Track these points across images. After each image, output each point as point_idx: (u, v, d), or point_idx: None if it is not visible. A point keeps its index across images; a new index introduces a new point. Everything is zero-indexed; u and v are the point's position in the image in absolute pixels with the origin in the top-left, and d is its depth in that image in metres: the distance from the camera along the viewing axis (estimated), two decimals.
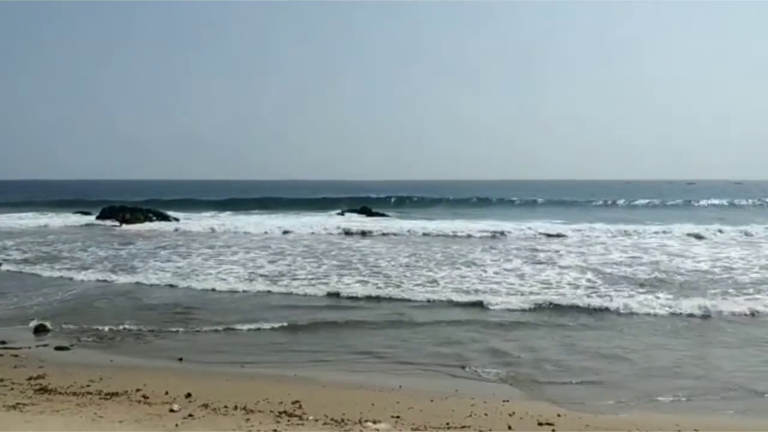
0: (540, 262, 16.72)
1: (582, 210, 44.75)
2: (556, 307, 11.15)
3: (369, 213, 38.93)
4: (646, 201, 53.94)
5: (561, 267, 15.86)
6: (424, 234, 25.32)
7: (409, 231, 25.89)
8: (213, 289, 13.12)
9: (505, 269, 15.47)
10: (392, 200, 53.76)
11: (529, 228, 25.61)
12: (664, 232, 24.85)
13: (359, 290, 12.73)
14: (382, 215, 38.38)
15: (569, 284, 13.46)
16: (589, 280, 13.86)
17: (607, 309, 10.92)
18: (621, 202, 54.06)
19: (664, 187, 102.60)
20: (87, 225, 31.13)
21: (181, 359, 8.21)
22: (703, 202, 52.90)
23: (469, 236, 24.50)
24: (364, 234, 25.55)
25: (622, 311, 10.80)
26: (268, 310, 11.14)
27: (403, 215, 39.11)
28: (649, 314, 10.68)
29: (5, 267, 15.58)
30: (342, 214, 39.40)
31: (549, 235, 24.05)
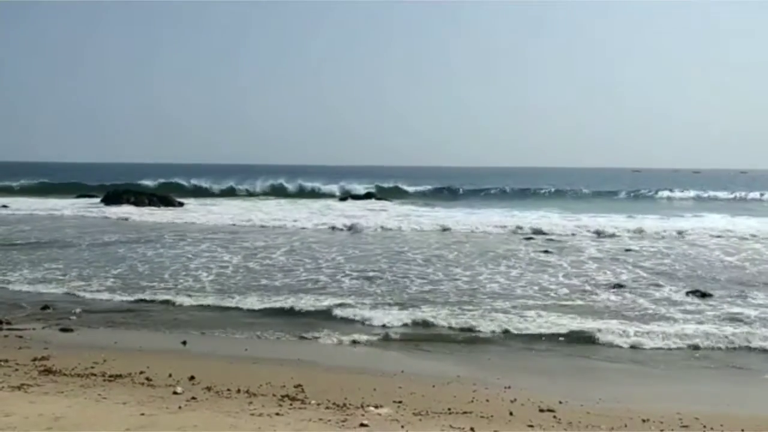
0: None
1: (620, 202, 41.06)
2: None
3: (375, 199, 38.92)
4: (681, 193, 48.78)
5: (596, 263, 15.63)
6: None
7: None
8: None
9: None
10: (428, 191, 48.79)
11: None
12: None
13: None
14: (385, 201, 38.38)
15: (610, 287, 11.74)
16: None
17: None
18: (668, 193, 48.46)
19: (672, 176, 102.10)
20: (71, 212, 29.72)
21: (185, 342, 8.25)
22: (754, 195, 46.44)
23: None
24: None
25: None
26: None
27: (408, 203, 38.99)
28: None
29: None
30: (344, 199, 39.27)
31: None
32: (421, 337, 8.67)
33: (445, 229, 21.94)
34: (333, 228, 22.39)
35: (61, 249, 16.78)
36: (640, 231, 20.88)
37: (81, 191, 41.53)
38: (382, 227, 22.19)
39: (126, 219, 25.34)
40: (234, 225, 23.47)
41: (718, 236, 19.94)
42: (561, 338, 8.51)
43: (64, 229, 21.31)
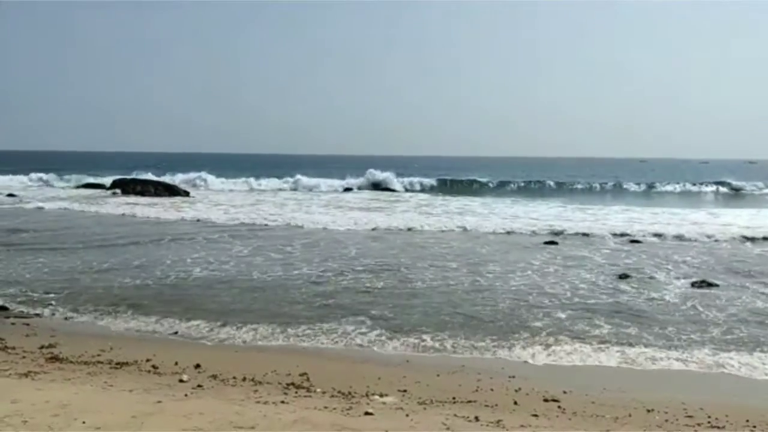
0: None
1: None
2: None
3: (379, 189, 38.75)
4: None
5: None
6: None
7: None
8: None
9: None
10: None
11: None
12: None
13: None
14: (392, 191, 38.30)
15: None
16: None
17: None
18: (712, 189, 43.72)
19: (680, 166, 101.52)
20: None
21: (176, 333, 8.17)
22: None
23: None
24: None
25: None
26: None
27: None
28: None
29: None
30: (350, 190, 39.04)
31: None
32: None
33: (460, 226, 20.47)
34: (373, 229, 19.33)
35: (58, 246, 15.69)
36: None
37: (88, 181, 41.51)
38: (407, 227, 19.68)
39: (133, 215, 24.75)
40: (244, 223, 20.99)
41: None
42: (564, 326, 8.50)
43: (66, 221, 21.28)
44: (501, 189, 44.10)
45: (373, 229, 19.00)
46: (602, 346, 7.72)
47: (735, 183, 46.12)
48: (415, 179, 43.98)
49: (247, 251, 14.63)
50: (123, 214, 23.15)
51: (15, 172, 44.62)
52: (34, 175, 42.92)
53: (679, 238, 17.25)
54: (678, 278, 11.75)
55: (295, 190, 39.74)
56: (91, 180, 41.42)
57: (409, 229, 19.01)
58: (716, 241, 16.84)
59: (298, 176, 42.83)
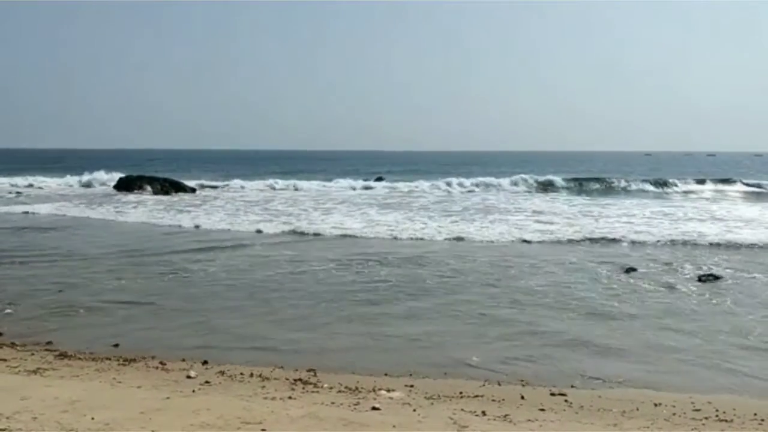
0: None
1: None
2: None
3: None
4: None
5: None
6: None
7: None
8: None
9: None
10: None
11: None
12: None
13: None
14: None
15: None
16: None
17: None
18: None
19: (686, 160, 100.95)
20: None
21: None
22: None
23: None
24: None
25: None
26: None
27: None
28: None
29: None
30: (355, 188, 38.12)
31: None
32: None
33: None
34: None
35: (63, 252, 16.23)
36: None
37: (92, 178, 41.25)
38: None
39: (146, 221, 24.71)
40: (252, 224, 21.11)
41: None
42: (571, 317, 8.49)
43: (71, 226, 21.32)
44: (516, 185, 42.77)
45: (391, 228, 18.57)
46: (608, 343, 7.70)
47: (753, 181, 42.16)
48: (428, 177, 42.68)
49: (259, 248, 14.67)
50: (134, 221, 22.85)
51: (14, 172, 44.24)
52: (32, 177, 42.33)
53: (700, 234, 16.54)
54: (692, 275, 11.67)
55: (296, 190, 38.56)
56: (96, 177, 41.27)
57: (422, 239, 17.85)
58: (738, 239, 16.02)
59: (296, 181, 42.33)
